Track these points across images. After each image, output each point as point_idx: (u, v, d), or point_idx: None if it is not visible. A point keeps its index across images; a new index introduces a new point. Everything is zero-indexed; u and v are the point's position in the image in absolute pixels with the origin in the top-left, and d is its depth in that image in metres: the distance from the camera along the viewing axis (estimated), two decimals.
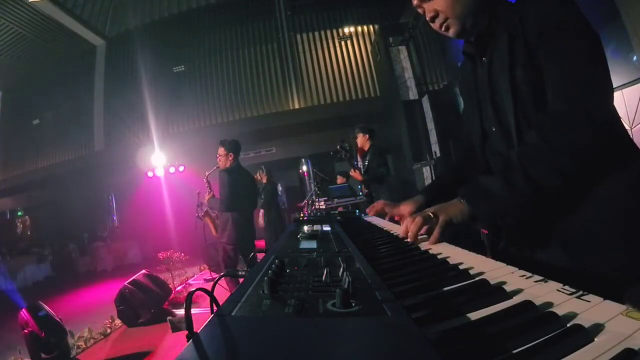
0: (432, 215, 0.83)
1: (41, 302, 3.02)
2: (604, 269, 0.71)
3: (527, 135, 0.77)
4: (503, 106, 0.86)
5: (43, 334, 2.74)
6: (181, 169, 9.15)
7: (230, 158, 3.40)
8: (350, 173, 4.03)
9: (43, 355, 2.77)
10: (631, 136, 0.81)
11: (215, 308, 0.47)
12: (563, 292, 0.46)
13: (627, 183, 0.75)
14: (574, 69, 0.72)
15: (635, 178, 0.75)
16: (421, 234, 0.86)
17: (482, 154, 1.00)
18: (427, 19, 0.90)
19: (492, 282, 0.53)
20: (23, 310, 2.88)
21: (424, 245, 0.85)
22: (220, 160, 3.43)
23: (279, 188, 9.10)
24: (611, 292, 0.44)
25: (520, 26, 0.79)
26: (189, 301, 0.46)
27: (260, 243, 5.02)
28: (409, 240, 0.87)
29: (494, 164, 0.97)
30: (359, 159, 4.12)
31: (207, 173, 3.60)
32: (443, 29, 0.88)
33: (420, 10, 0.91)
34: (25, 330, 2.76)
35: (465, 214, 0.80)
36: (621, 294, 0.66)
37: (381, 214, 1.21)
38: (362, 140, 3.93)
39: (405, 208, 1.10)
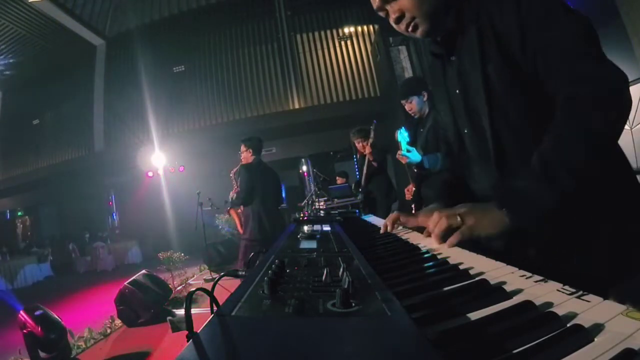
0: (458, 218, 0.74)
1: (38, 304, 3.03)
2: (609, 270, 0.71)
3: (553, 123, 0.70)
4: (475, 105, 0.82)
5: (42, 333, 2.77)
6: (181, 169, 9.15)
7: (250, 154, 3.50)
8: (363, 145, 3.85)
9: (42, 355, 2.80)
10: (631, 136, 0.81)
11: (215, 308, 0.47)
12: (563, 292, 0.46)
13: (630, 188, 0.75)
14: (579, 48, 0.69)
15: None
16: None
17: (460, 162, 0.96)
18: (392, 21, 0.84)
19: (492, 282, 0.53)
20: (21, 311, 2.90)
21: (427, 244, 0.81)
22: (242, 157, 3.55)
23: None
24: (613, 292, 0.44)
25: (490, 20, 0.76)
26: (189, 301, 0.46)
27: None
28: (435, 240, 0.78)
29: (471, 179, 0.94)
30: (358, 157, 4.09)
31: (232, 171, 3.67)
32: (410, 29, 0.83)
33: (382, 14, 0.85)
34: (25, 331, 2.79)
35: (505, 225, 0.70)
36: (621, 294, 0.65)
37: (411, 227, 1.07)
38: (361, 147, 3.89)
39: (424, 219, 0.98)
